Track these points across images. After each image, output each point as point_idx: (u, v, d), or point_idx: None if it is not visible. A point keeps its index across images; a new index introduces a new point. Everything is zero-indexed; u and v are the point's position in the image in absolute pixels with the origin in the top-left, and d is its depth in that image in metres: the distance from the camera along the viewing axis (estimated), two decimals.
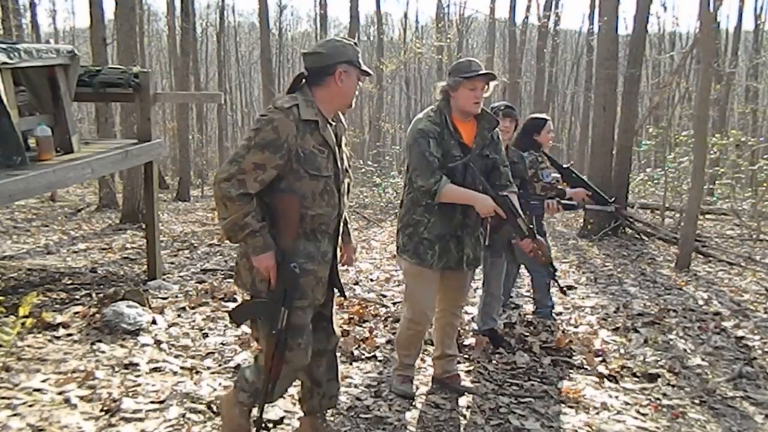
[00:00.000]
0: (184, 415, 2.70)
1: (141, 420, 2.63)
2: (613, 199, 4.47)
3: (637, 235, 8.89)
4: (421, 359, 3.40)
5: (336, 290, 2.38)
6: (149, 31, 28.84)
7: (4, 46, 3.83)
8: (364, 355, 3.61)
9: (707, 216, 11.07)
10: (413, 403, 3.00)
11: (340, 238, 2.35)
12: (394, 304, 4.75)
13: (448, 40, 22.48)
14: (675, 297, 5.45)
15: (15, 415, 2.57)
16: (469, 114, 2.87)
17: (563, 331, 4.17)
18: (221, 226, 2.13)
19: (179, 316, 4.21)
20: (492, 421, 2.87)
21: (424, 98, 29.82)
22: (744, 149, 11.35)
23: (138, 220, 8.68)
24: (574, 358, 3.72)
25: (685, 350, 3.98)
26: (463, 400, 3.07)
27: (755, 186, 10.94)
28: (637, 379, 3.47)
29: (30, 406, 2.67)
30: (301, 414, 2.51)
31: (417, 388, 3.15)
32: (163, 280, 5.40)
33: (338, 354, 3.51)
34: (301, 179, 2.12)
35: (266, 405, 2.30)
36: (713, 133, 12.54)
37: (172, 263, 6.37)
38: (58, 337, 3.59)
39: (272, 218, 2.13)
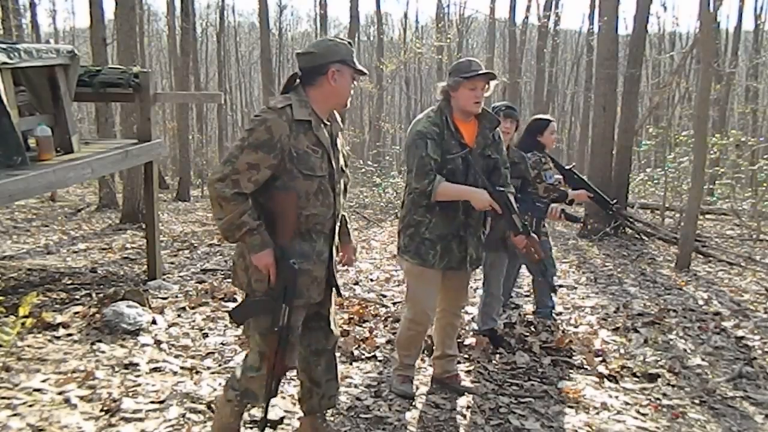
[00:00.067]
0: (184, 415, 2.70)
1: (141, 420, 2.63)
2: (614, 201, 4.47)
3: (637, 235, 8.89)
4: (421, 359, 3.40)
5: (334, 290, 2.38)
6: (149, 31, 28.84)
7: (4, 46, 3.83)
8: (364, 355, 3.61)
9: (707, 216, 11.08)
10: (413, 403, 3.00)
11: (337, 237, 2.35)
12: (394, 304, 4.75)
13: (448, 40, 22.48)
14: (675, 297, 5.45)
15: (15, 415, 2.58)
16: (470, 114, 2.87)
17: (563, 331, 4.17)
18: (218, 226, 2.14)
19: (179, 316, 4.21)
20: (492, 421, 2.87)
21: (424, 98, 29.83)
22: (744, 149, 11.36)
23: (138, 220, 8.68)
24: (574, 358, 3.72)
25: (685, 350, 3.98)
26: (463, 400, 3.07)
27: (755, 186, 10.94)
28: (637, 379, 3.47)
29: (30, 406, 2.67)
30: (301, 414, 2.51)
31: (417, 388, 3.14)
32: (163, 280, 5.40)
33: (338, 354, 3.52)
34: (295, 179, 2.12)
35: (253, 408, 2.29)
36: (713, 133, 12.54)
37: (172, 263, 6.37)
38: (58, 337, 3.59)
39: (269, 217, 2.13)
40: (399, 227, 3.02)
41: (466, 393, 3.14)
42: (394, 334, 3.80)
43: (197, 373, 3.21)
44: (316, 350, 2.36)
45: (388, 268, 6.31)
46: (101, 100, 7.55)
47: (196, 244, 7.54)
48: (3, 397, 2.72)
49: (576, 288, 5.78)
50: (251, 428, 2.63)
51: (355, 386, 3.17)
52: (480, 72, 2.80)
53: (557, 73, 26.08)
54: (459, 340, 3.64)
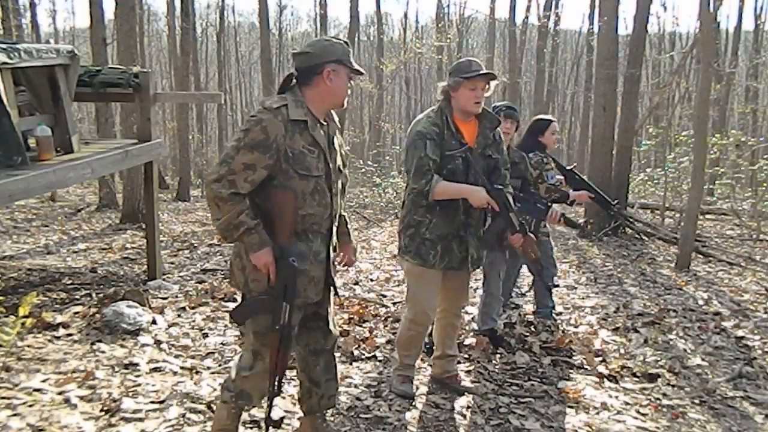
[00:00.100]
0: (184, 415, 2.70)
1: (141, 420, 2.63)
2: (615, 201, 4.47)
3: (637, 235, 8.89)
4: (421, 359, 3.40)
5: (332, 290, 2.38)
6: (149, 31, 28.84)
7: (4, 46, 3.83)
8: (364, 355, 3.61)
9: (707, 216, 11.07)
10: (413, 403, 3.00)
11: (335, 237, 2.35)
12: (394, 304, 4.75)
13: (448, 40, 22.48)
14: (675, 297, 5.45)
15: (15, 415, 2.58)
16: (471, 114, 2.87)
17: (563, 331, 4.17)
18: (215, 226, 2.14)
19: (179, 316, 4.21)
20: (492, 421, 2.87)
21: (424, 98, 29.84)
22: (744, 149, 11.36)
23: (138, 220, 8.67)
24: (574, 358, 3.72)
25: (685, 350, 3.98)
26: (463, 400, 3.07)
27: (755, 186, 10.94)
28: (637, 379, 3.47)
29: (30, 406, 2.67)
30: (301, 414, 2.51)
31: (417, 388, 3.15)
32: (163, 280, 5.40)
33: (338, 354, 3.52)
34: (291, 179, 2.12)
35: (253, 408, 2.28)
36: (713, 133, 12.54)
37: (172, 263, 6.37)
38: (58, 337, 3.59)
39: (267, 216, 2.13)
40: (399, 227, 3.02)
41: (466, 393, 3.14)
42: (394, 334, 3.80)
43: (197, 373, 3.21)
44: (314, 350, 2.37)
45: (388, 268, 6.31)
46: (101, 100, 7.55)
47: (196, 244, 7.54)
48: (3, 397, 2.72)
49: (576, 288, 5.78)
50: (251, 428, 2.63)
51: (355, 386, 3.17)
52: (480, 72, 2.80)
53: (557, 73, 26.08)
54: (459, 340, 3.64)
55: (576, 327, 4.39)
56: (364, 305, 4.55)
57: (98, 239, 7.71)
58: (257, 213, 2.12)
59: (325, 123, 2.25)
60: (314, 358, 2.37)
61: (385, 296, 5.04)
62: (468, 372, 3.45)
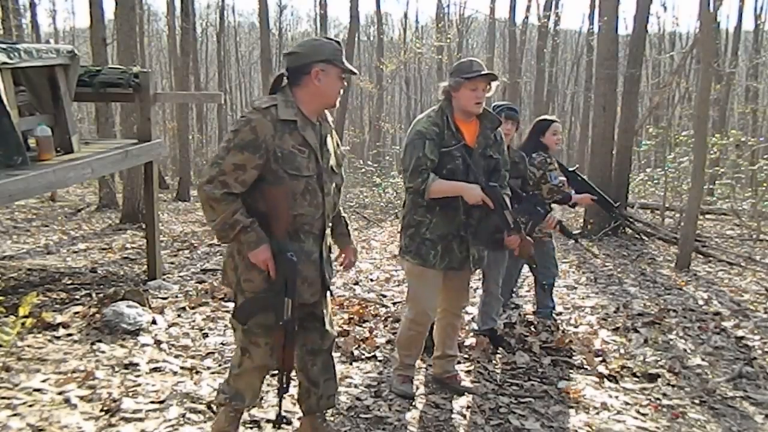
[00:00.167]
0: (184, 415, 2.70)
1: (141, 420, 2.63)
2: (617, 204, 4.47)
3: (637, 235, 8.89)
4: (421, 359, 3.40)
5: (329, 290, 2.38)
6: (149, 31, 28.84)
7: (4, 46, 3.83)
8: (364, 355, 3.61)
9: (707, 216, 11.08)
10: (413, 403, 3.00)
11: (329, 238, 2.34)
12: (394, 304, 4.75)
13: (448, 40, 22.49)
14: (675, 297, 5.45)
15: (15, 415, 2.58)
16: (471, 114, 2.86)
17: (563, 331, 4.17)
18: (211, 228, 2.14)
19: (179, 316, 4.21)
20: (492, 421, 2.87)
21: (424, 98, 29.85)
22: (744, 149, 11.37)
23: (138, 220, 8.68)
24: (574, 358, 3.72)
25: (685, 350, 3.98)
26: (463, 400, 3.07)
27: (755, 186, 10.94)
28: (637, 379, 3.47)
29: (30, 406, 2.67)
30: (301, 414, 2.51)
31: (417, 388, 3.15)
32: (163, 280, 5.40)
33: (338, 354, 3.52)
34: (281, 179, 2.12)
35: (253, 408, 2.29)
36: (713, 133, 12.54)
37: (172, 263, 6.37)
38: (58, 337, 3.59)
39: (262, 213, 2.13)
40: (400, 227, 3.02)
41: (466, 393, 3.14)
42: (394, 334, 3.80)
43: (197, 373, 3.21)
44: (311, 350, 2.36)
45: (388, 268, 6.31)
46: (101, 100, 7.55)
47: (196, 244, 7.54)
48: (3, 397, 2.72)
49: (576, 288, 5.78)
50: (251, 428, 2.63)
51: (355, 386, 3.17)
52: (482, 73, 2.80)
53: (557, 73, 26.07)
54: (459, 340, 3.64)
55: (576, 327, 4.39)
56: (364, 305, 4.55)
57: (98, 239, 7.71)
58: (252, 213, 2.12)
59: (317, 123, 2.25)
60: (311, 358, 2.37)
61: (385, 296, 5.04)
62: (468, 372, 3.45)
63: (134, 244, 7.33)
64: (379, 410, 2.89)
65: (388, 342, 3.81)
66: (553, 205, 4.08)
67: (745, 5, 24.73)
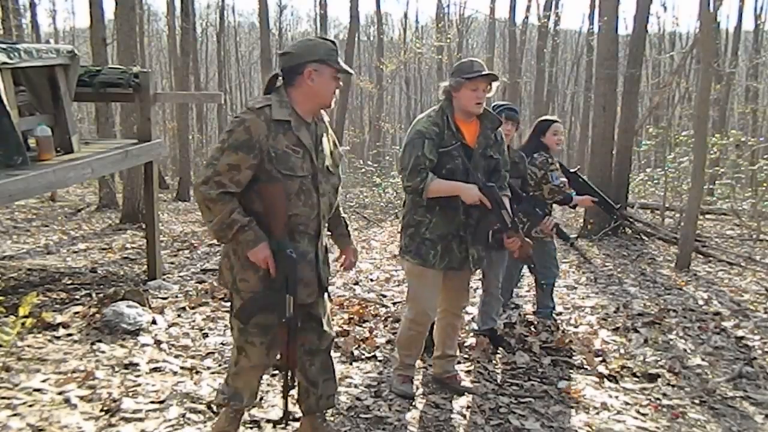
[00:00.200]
0: (184, 415, 2.70)
1: (141, 420, 2.63)
2: (618, 206, 4.47)
3: (637, 235, 8.89)
4: (421, 359, 3.40)
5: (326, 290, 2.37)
6: (149, 31, 28.84)
7: (4, 46, 3.83)
8: (364, 355, 3.61)
9: (707, 216, 11.07)
10: (413, 403, 3.00)
11: (324, 238, 2.34)
12: (394, 304, 4.75)
13: (448, 40, 22.50)
14: (675, 297, 5.45)
15: (15, 415, 2.58)
16: (472, 114, 2.86)
17: (563, 331, 4.17)
18: (209, 228, 2.15)
19: (179, 316, 4.21)
20: (492, 421, 2.87)
21: (424, 98, 29.86)
22: (744, 149, 11.36)
23: (138, 220, 8.67)
24: (574, 358, 3.72)
25: (685, 350, 3.98)
26: (463, 400, 3.07)
27: (755, 186, 10.94)
28: (637, 379, 3.47)
29: (30, 406, 2.67)
30: (301, 414, 2.51)
31: (417, 388, 3.15)
32: (163, 280, 5.40)
33: (337, 354, 3.52)
34: (275, 179, 2.12)
35: (253, 408, 2.29)
36: (713, 133, 12.54)
37: (172, 263, 6.37)
38: (58, 337, 3.59)
39: (258, 212, 2.13)
40: (400, 227, 3.02)
41: (466, 393, 3.14)
42: (394, 334, 3.80)
43: (197, 373, 3.21)
44: (309, 350, 2.36)
45: (388, 268, 6.31)
46: (101, 100, 7.54)
47: (196, 244, 7.54)
48: (3, 397, 2.72)
49: (576, 288, 5.78)
50: (251, 428, 2.63)
51: (355, 386, 3.17)
52: (482, 73, 2.80)
53: (557, 73, 26.08)
54: (459, 341, 3.64)
55: (576, 327, 4.39)
56: (364, 305, 4.55)
57: (98, 239, 7.71)
58: (248, 213, 2.12)
59: (312, 123, 2.24)
60: (309, 359, 2.37)
61: (385, 296, 5.04)
62: (468, 372, 3.45)
63: (134, 244, 7.32)
64: (379, 410, 2.89)
65: (388, 342, 3.81)
66: (550, 214, 4.07)
67: (745, 5, 24.79)
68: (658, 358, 3.77)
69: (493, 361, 3.61)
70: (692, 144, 8.17)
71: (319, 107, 2.25)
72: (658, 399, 3.22)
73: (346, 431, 2.69)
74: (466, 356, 3.66)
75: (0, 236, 7.57)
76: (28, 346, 3.39)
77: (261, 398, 2.87)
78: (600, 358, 3.71)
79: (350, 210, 11.71)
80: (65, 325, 3.75)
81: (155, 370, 3.20)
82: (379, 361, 3.56)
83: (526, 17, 21.77)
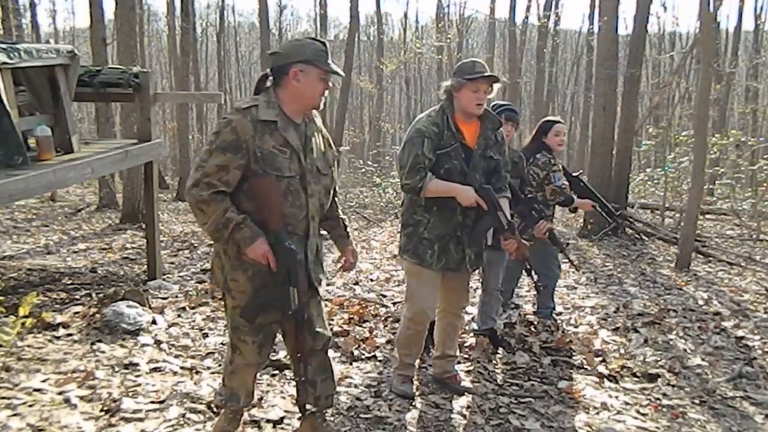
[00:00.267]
0: (184, 415, 2.70)
1: (141, 420, 2.63)
2: (618, 212, 4.47)
3: (637, 235, 8.89)
4: (421, 359, 3.40)
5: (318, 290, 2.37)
6: (149, 31, 28.86)
7: (4, 46, 3.83)
8: (364, 355, 3.61)
9: (707, 216, 11.08)
10: (413, 403, 3.00)
11: (314, 239, 2.31)
12: (394, 304, 4.75)
13: (448, 40, 22.49)
14: (675, 297, 5.45)
15: (15, 415, 2.57)
16: (472, 115, 2.86)
17: (563, 331, 4.17)
18: (205, 230, 2.14)
19: (179, 316, 4.21)
20: (492, 421, 2.87)
21: (424, 98, 29.85)
22: (744, 149, 11.37)
23: (138, 220, 8.67)
24: (574, 358, 3.72)
25: (685, 350, 3.98)
26: (463, 400, 3.07)
27: (755, 186, 10.95)
28: (637, 379, 3.47)
29: (30, 406, 2.67)
30: (300, 414, 2.51)
31: (417, 388, 3.14)
32: (163, 280, 5.40)
33: (337, 354, 3.52)
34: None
35: (253, 408, 2.29)
36: (713, 133, 12.55)
37: (172, 263, 6.37)
38: (58, 337, 3.59)
39: (252, 210, 2.12)
40: (399, 226, 3.03)
41: (466, 393, 3.14)
42: (394, 334, 3.80)
43: (197, 373, 3.21)
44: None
45: (388, 268, 6.31)
46: (101, 100, 7.55)
47: (196, 244, 7.54)
48: (3, 397, 2.72)
49: (576, 288, 5.78)
50: (251, 428, 2.63)
51: (355, 386, 3.17)
52: (484, 74, 2.79)
53: (557, 73, 26.07)
54: (459, 341, 3.64)
55: (576, 327, 4.39)
56: (364, 305, 4.55)
57: (98, 239, 7.71)
58: (242, 211, 2.12)
59: (301, 124, 2.23)
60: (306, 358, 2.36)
61: (385, 296, 5.04)
62: (468, 372, 3.45)
63: (134, 244, 7.32)
64: (379, 410, 2.89)
65: (388, 342, 3.81)
66: (544, 218, 4.06)
67: (745, 5, 24.78)
68: (658, 358, 3.77)
69: (493, 361, 3.61)
70: (692, 144, 8.17)
71: (306, 108, 2.24)
72: (658, 399, 3.22)
73: (346, 431, 2.69)
74: (466, 356, 3.66)
75: (0, 236, 7.57)
76: (28, 346, 3.39)
77: (261, 398, 2.87)
78: (600, 358, 3.71)
79: (350, 210, 11.71)
80: (65, 325, 3.75)
81: (155, 370, 3.20)
82: (379, 361, 3.56)
83: (526, 17, 21.77)
